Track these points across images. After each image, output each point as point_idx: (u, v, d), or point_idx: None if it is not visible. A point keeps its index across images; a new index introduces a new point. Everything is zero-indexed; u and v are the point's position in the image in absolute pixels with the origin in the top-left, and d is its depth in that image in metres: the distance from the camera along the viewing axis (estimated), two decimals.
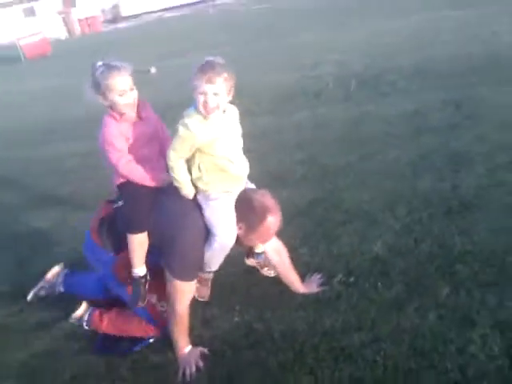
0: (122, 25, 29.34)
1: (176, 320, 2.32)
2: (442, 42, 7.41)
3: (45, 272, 2.94)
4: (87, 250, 2.59)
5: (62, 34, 28.23)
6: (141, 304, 2.40)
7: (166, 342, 2.45)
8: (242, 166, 2.28)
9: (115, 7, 33.81)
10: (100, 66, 2.21)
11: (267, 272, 2.80)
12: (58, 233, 3.95)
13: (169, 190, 2.26)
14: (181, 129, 2.08)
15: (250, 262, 2.82)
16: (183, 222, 2.23)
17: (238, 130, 2.27)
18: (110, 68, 2.20)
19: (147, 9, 33.12)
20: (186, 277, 2.25)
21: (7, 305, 3.07)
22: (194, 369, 2.26)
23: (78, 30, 27.43)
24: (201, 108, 2.05)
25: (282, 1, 20.12)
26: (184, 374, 2.26)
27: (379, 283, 2.58)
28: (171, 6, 32.02)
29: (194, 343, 2.40)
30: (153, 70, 10.46)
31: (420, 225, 3.01)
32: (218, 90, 2.03)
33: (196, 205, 2.25)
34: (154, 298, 2.48)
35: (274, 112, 5.69)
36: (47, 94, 10.60)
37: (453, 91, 5.08)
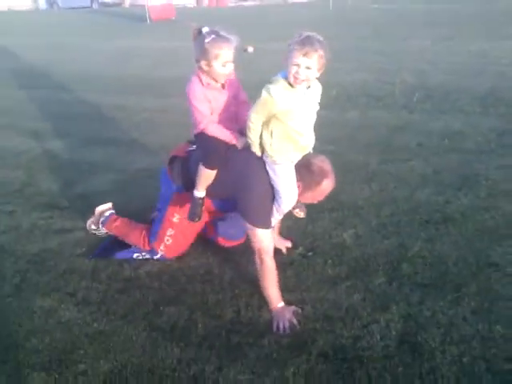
0: (247, 3, 30.33)
1: (265, 273, 2.49)
2: None
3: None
4: (162, 176, 2.99)
5: (191, 3, 29.86)
6: (197, 220, 2.73)
7: (148, 263, 3.01)
8: (310, 140, 2.46)
9: None
10: (210, 33, 2.37)
11: (298, 213, 2.84)
12: (106, 166, 4.64)
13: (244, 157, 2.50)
14: (264, 93, 2.22)
15: None
16: (256, 177, 2.47)
17: (316, 107, 2.41)
18: (221, 38, 2.36)
19: None
20: (264, 223, 2.50)
21: (43, 211, 3.77)
22: (287, 324, 2.39)
23: (205, 1, 28.80)
24: (291, 77, 2.18)
25: (408, 4, 19.78)
26: (278, 327, 2.40)
27: (329, 261, 2.90)
28: None
29: (161, 271, 2.94)
30: (250, 49, 11.00)
31: (394, 226, 3.24)
32: (310, 65, 2.15)
33: (263, 163, 2.47)
34: (170, 231, 2.92)
35: (333, 107, 5.95)
36: (156, 53, 11.61)
37: (505, 120, 5.05)
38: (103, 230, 3.31)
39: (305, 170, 2.47)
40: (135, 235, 3.11)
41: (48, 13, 31.12)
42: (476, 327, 2.34)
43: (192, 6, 29.59)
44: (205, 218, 2.90)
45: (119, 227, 3.22)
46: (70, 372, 2.22)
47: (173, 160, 2.90)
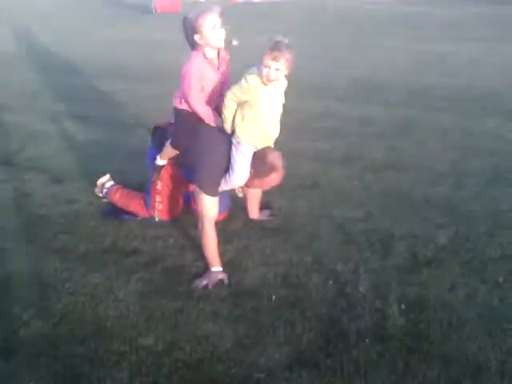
0: (257, 0, 30.89)
1: (204, 237, 2.81)
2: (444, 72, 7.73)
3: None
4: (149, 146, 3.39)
5: None
6: (155, 177, 3.24)
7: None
8: (276, 129, 2.82)
9: None
10: (193, 12, 2.78)
11: (238, 192, 3.23)
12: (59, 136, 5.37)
13: (210, 131, 2.91)
14: (243, 80, 2.62)
15: None
16: (212, 149, 2.83)
17: (282, 99, 2.80)
18: (201, 10, 2.77)
19: None
20: (210, 190, 2.79)
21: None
22: (202, 285, 2.70)
23: None
24: (263, 77, 2.58)
25: (401, 6, 20.25)
26: (196, 283, 2.73)
27: None
28: None
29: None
30: (234, 42, 11.47)
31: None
32: (279, 67, 2.56)
33: (226, 141, 2.82)
34: (158, 198, 3.33)
35: None
36: (151, 43, 12.24)
37: (419, 110, 5.75)
38: (108, 199, 3.66)
39: (259, 161, 2.76)
40: (135, 205, 3.47)
41: None
42: (288, 256, 2.99)
43: (203, 0, 30.23)
44: (186, 186, 3.31)
45: (120, 199, 3.55)
46: None
47: (155, 131, 3.33)
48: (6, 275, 2.89)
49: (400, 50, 9.95)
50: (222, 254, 2.98)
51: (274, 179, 2.83)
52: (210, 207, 2.83)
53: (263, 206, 3.56)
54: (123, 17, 19.41)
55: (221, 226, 3.32)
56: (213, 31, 2.73)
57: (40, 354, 2.28)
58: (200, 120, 2.94)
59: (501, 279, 2.71)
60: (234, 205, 3.56)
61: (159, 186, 3.32)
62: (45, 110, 6.43)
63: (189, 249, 3.12)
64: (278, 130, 2.88)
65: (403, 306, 2.52)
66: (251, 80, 2.61)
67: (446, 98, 6.23)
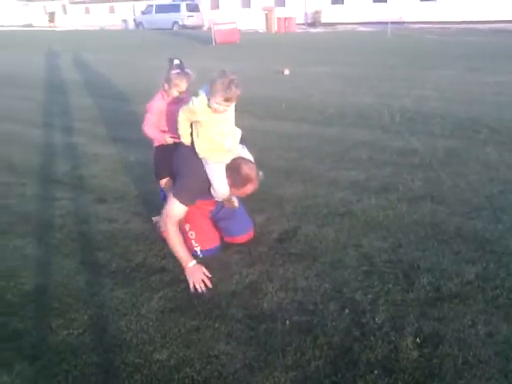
0: (314, 30, 31.44)
1: (168, 236, 3.00)
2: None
3: None
4: None
5: (261, 28, 31.40)
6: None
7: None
8: (232, 139, 2.91)
9: (317, 13, 36.21)
10: (176, 66, 3.23)
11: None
12: (108, 157, 5.68)
13: (184, 149, 3.08)
14: (191, 102, 2.79)
15: None
16: (191, 164, 3.00)
17: (232, 113, 2.90)
18: (182, 73, 3.21)
19: (345, 20, 34.78)
20: (182, 199, 2.96)
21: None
22: (202, 284, 2.90)
23: (275, 27, 30.18)
24: (212, 108, 2.73)
25: (463, 37, 19.93)
26: (195, 288, 2.90)
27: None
28: (367, 21, 33.16)
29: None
30: (286, 71, 11.92)
31: (302, 214, 3.93)
32: (230, 104, 2.76)
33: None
34: (187, 226, 3.32)
35: (320, 123, 6.71)
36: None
37: (463, 142, 5.65)
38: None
39: (234, 172, 2.91)
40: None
41: (132, 33, 33.99)
42: (308, 282, 3.01)
43: (262, 31, 31.09)
44: (207, 204, 3.34)
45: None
46: None
47: None
48: (42, 286, 3.09)
49: (452, 81, 9.81)
50: (243, 277, 3.08)
51: (249, 189, 2.98)
52: (177, 210, 3.00)
53: (291, 232, 3.64)
54: (184, 47, 20.30)
55: (246, 250, 3.43)
56: (176, 92, 3.25)
57: (62, 361, 2.43)
58: (174, 145, 3.25)
59: None
60: (260, 229, 3.64)
61: (186, 225, 3.32)
62: (100, 133, 6.85)
63: (214, 269, 3.21)
64: (237, 139, 3.00)
65: (418, 340, 2.48)
66: (197, 104, 2.77)
67: (494, 129, 6.05)
